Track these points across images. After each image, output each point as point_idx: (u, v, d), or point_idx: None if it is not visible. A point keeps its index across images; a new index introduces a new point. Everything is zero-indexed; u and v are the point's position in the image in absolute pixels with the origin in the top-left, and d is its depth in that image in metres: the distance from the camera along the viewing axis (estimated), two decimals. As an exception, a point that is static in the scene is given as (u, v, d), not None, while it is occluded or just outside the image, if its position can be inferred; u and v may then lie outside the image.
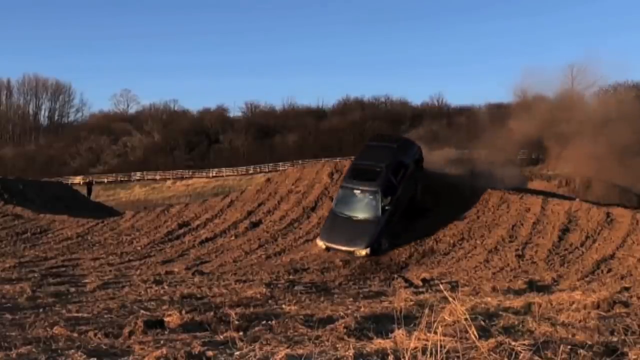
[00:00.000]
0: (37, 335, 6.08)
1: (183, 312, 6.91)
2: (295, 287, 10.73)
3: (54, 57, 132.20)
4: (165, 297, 9.08)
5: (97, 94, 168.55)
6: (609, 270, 11.96)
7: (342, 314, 6.74)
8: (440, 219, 16.30)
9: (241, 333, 5.79)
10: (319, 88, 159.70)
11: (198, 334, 5.98)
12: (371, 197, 15.67)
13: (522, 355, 4.34)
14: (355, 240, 15.10)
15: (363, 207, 15.77)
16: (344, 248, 15.07)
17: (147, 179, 69.46)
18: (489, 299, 7.45)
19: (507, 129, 23.80)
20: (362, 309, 7.37)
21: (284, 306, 8.02)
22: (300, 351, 4.71)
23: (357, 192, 16.03)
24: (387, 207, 15.43)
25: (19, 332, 6.33)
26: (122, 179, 70.11)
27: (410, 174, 16.66)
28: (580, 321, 5.89)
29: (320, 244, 15.49)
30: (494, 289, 9.68)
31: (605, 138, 25.28)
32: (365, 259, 14.74)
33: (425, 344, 4.28)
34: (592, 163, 23.96)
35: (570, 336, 5.21)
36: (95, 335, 6.01)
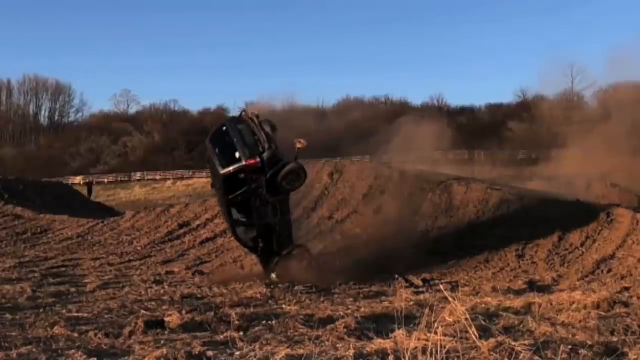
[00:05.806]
0: (37, 335, 6.08)
1: (183, 312, 6.92)
2: (295, 287, 10.72)
3: (54, 57, 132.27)
4: (165, 297, 9.08)
5: (97, 94, 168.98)
6: (609, 270, 11.93)
7: (342, 313, 6.75)
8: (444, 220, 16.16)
9: (241, 333, 5.80)
10: (319, 88, 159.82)
11: (198, 334, 5.98)
12: None
13: (522, 355, 4.35)
14: None
15: None
16: None
17: (147, 179, 69.42)
18: (489, 298, 7.45)
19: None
20: (362, 309, 7.37)
21: (284, 306, 8.02)
22: (300, 351, 4.73)
23: None
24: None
25: (19, 332, 6.33)
26: (122, 179, 70.07)
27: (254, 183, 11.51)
28: (580, 321, 5.89)
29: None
30: (494, 288, 9.66)
31: (605, 138, 25.32)
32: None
33: (425, 344, 4.29)
34: (593, 163, 23.93)
35: (570, 336, 5.22)
36: (95, 335, 6.01)
